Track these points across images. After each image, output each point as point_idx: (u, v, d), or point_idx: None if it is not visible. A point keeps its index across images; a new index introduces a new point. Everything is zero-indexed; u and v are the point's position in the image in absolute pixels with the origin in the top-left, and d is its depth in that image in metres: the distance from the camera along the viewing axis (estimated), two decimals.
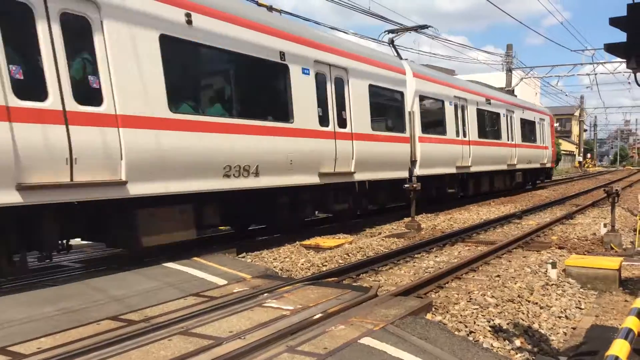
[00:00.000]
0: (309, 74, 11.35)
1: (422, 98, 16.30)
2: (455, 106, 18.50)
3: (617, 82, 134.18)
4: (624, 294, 7.63)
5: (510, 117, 23.84)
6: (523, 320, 6.29)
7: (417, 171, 15.57)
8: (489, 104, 21.53)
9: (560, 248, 10.83)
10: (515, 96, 28.03)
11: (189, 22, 8.66)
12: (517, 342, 5.65)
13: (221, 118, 9.29)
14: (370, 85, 13.47)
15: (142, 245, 8.28)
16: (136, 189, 7.79)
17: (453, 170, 18.10)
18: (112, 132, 7.51)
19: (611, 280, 7.85)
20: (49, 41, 6.83)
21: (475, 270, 9.04)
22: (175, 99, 8.47)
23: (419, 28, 19.28)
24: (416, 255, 10.32)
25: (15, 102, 6.46)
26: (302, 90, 11.21)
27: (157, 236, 8.41)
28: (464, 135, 18.97)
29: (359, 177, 13.00)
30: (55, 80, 6.88)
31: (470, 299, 7.06)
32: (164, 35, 8.29)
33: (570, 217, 16.07)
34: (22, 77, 6.60)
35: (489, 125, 21.65)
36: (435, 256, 10.35)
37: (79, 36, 7.26)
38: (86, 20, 7.31)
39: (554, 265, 8.39)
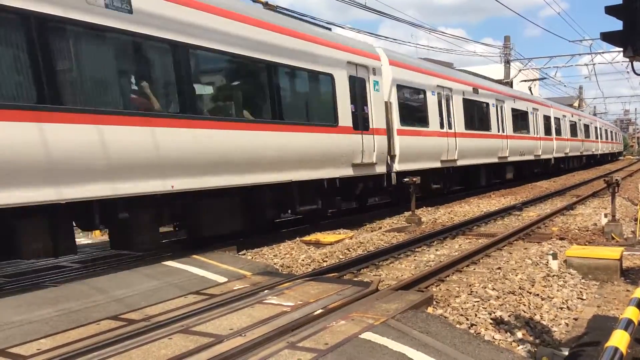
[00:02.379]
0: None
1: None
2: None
3: (615, 71, 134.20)
4: (625, 283, 7.61)
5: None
6: (524, 312, 6.27)
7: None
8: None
9: (561, 239, 10.80)
10: (505, 83, 27.90)
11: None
12: (519, 334, 5.64)
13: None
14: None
15: None
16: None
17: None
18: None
19: (612, 270, 7.83)
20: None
21: (476, 262, 9.02)
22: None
23: None
24: (417, 249, 10.30)
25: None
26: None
27: None
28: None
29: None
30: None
31: (472, 291, 7.04)
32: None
33: (571, 207, 16.04)
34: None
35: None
36: (436, 250, 10.33)
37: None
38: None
39: (555, 256, 8.37)
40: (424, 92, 16.92)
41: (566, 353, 4.94)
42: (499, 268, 8.34)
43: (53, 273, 8.76)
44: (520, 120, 25.73)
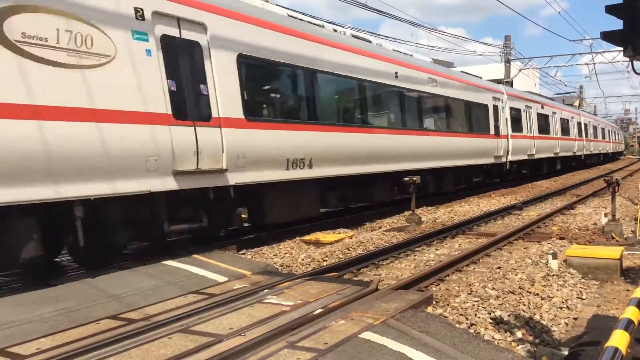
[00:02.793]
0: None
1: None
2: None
3: (616, 71, 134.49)
4: (625, 283, 7.61)
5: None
6: (524, 311, 6.27)
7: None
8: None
9: (561, 238, 10.80)
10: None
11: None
12: (519, 334, 5.63)
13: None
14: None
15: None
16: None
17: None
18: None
19: (612, 269, 7.82)
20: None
21: (476, 262, 9.02)
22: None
23: None
24: (417, 249, 10.30)
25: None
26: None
27: None
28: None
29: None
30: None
31: (471, 291, 7.04)
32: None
33: (571, 207, 16.04)
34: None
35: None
36: (436, 249, 10.33)
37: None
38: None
39: (554, 256, 8.37)
40: (520, 110, 25.68)
41: (566, 353, 4.94)
42: (499, 267, 8.34)
43: (53, 272, 8.75)
44: (565, 126, 34.89)
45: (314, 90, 12.02)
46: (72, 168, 7.07)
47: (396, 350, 4.52)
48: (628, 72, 51.21)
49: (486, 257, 9.38)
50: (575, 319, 6.14)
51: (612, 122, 79.28)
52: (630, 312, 2.50)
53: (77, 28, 7.22)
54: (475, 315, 6.11)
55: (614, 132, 64.26)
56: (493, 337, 5.52)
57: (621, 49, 3.94)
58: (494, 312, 6.16)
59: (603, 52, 37.32)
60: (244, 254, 9.86)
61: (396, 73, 14.58)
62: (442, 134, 17.87)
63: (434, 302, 6.58)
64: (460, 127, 19.42)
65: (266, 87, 11.40)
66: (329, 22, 15.13)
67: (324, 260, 9.31)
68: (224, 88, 9.43)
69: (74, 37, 7.17)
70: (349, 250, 10.08)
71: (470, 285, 7.36)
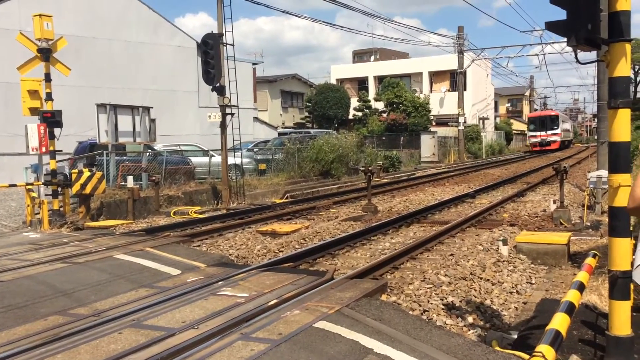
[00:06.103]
0: None
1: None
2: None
3: (565, 61, 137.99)
4: (572, 267, 7.83)
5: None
6: (475, 297, 6.40)
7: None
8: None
9: (511, 225, 11.06)
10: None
11: None
12: (470, 319, 5.75)
13: None
14: None
15: None
16: None
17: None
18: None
19: (560, 255, 8.06)
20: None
21: (430, 249, 9.15)
22: None
23: None
24: (372, 238, 10.36)
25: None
26: None
27: None
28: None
29: None
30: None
31: (425, 278, 7.14)
32: None
33: (521, 194, 16.44)
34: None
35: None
36: (391, 238, 10.42)
37: None
38: None
39: (505, 242, 8.57)
40: (561, 118, 57.26)
41: (515, 336, 5.07)
42: (452, 254, 8.49)
43: None
44: (565, 125, 60.59)
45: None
46: None
47: (350, 339, 4.54)
48: (576, 62, 53.75)
49: (439, 245, 9.52)
50: (524, 303, 6.31)
51: (561, 111, 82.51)
52: (572, 295, 2.57)
53: None
54: (428, 301, 6.21)
55: (568, 123, 76.62)
56: (445, 323, 5.62)
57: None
58: (446, 299, 6.28)
59: (552, 43, 38.34)
60: (198, 246, 9.75)
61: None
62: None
63: (389, 290, 6.65)
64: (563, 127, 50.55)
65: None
66: (283, 12, 15.13)
67: (280, 251, 9.28)
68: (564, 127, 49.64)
69: None
70: (305, 241, 10.09)
71: (423, 272, 7.47)
